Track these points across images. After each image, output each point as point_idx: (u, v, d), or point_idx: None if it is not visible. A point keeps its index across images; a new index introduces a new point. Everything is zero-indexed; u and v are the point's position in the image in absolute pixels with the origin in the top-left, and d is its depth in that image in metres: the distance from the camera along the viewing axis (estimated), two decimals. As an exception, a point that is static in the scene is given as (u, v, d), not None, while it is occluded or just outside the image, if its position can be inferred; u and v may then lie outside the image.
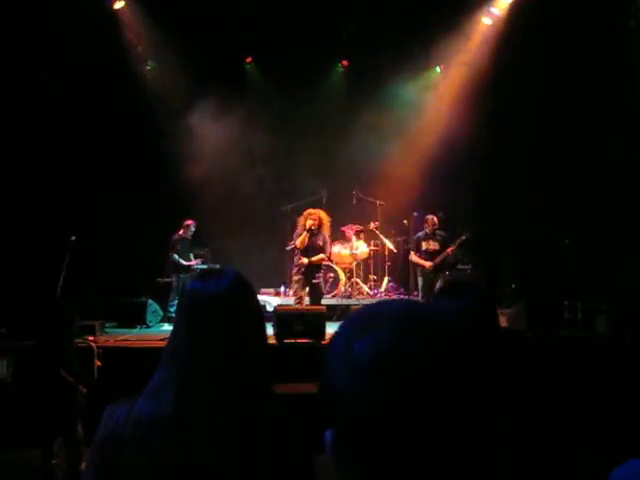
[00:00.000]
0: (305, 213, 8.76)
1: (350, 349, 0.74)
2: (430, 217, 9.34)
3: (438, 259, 9.16)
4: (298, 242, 8.57)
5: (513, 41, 10.41)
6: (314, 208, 8.96)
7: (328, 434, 0.75)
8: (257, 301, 1.58)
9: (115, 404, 1.46)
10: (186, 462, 1.33)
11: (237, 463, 1.35)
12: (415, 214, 9.49)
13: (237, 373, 1.41)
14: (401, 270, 9.96)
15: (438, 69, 12.31)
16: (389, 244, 11.02)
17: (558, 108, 10.04)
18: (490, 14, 11.00)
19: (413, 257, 9.37)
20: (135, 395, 1.44)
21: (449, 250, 9.21)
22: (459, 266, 10.61)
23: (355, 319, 0.79)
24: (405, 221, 9.63)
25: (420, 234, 9.39)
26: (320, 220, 8.62)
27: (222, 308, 1.45)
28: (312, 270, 8.67)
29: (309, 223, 8.50)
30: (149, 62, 11.44)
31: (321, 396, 0.77)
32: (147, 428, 1.36)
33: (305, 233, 8.51)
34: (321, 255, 8.66)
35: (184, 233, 10.11)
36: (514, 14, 10.52)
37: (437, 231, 9.33)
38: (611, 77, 9.23)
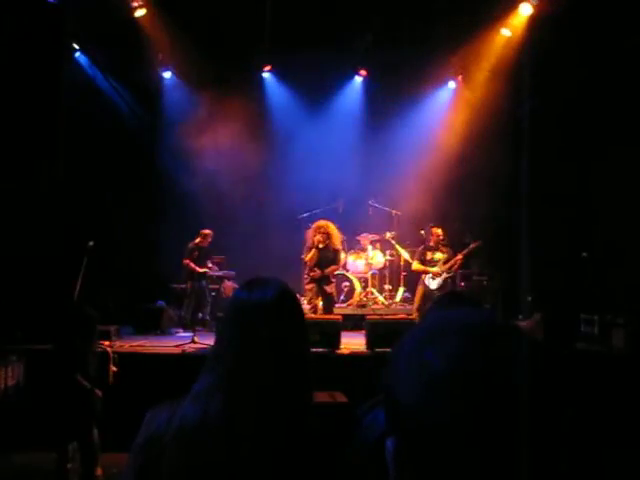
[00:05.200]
0: (314, 226, 8.79)
1: (422, 357, 0.71)
2: (434, 230, 9.37)
3: (446, 266, 9.21)
4: (307, 258, 8.64)
5: (532, 53, 10.38)
6: (325, 220, 8.98)
7: (389, 442, 0.74)
8: (302, 310, 1.57)
9: (156, 408, 1.46)
10: (232, 468, 1.33)
11: (281, 470, 1.34)
12: (431, 224, 9.49)
13: (283, 381, 1.41)
14: (417, 281, 9.92)
15: (456, 81, 12.28)
16: (405, 254, 10.98)
17: (576, 119, 9.98)
18: (510, 25, 10.96)
19: (417, 266, 9.33)
20: (176, 400, 1.45)
21: (458, 258, 9.24)
22: (475, 277, 10.57)
23: (426, 327, 0.77)
24: (422, 231, 9.61)
25: (424, 246, 9.43)
26: (328, 233, 8.66)
27: (268, 317, 1.46)
28: (324, 280, 8.71)
29: (317, 239, 8.54)
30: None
31: (384, 404, 0.76)
32: (192, 433, 1.36)
33: (314, 250, 8.55)
34: (333, 267, 8.74)
35: (201, 241, 10.15)
36: (532, 28, 10.49)
37: (440, 245, 9.38)
38: (631, 85, 9.16)
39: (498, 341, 0.71)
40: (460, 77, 12.15)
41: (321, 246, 8.53)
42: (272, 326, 1.45)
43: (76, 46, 10.64)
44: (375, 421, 1.73)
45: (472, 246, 9.40)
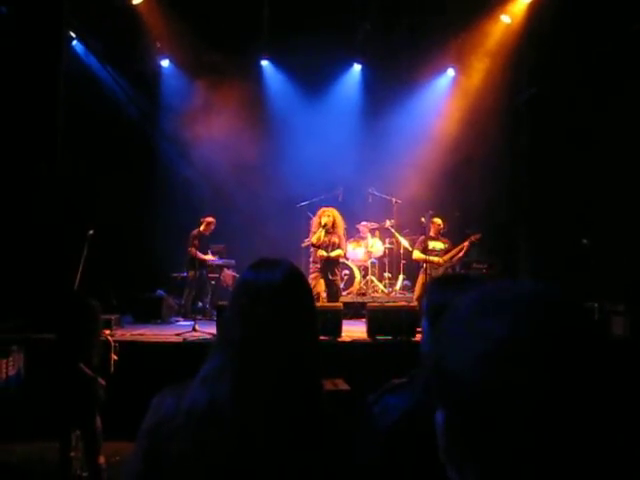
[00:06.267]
0: (319, 211, 8.94)
1: (482, 325, 0.69)
2: (435, 220, 9.50)
3: (447, 256, 9.37)
4: (314, 239, 8.68)
5: (531, 41, 10.35)
6: (327, 207, 9.08)
7: (439, 415, 0.73)
8: (310, 291, 1.55)
9: (163, 393, 1.44)
10: (240, 452, 1.32)
11: (291, 453, 1.33)
12: (431, 212, 9.51)
13: (292, 363, 1.39)
14: (416, 268, 9.92)
15: (455, 68, 12.22)
16: (404, 242, 10.96)
17: (577, 106, 9.94)
18: (509, 12, 10.90)
19: (419, 255, 9.37)
20: (182, 384, 1.43)
21: (463, 247, 9.35)
22: (474, 265, 10.57)
23: (481, 298, 0.74)
24: (422, 219, 9.61)
25: (425, 236, 9.48)
26: (334, 218, 8.78)
27: (276, 298, 1.43)
28: (329, 266, 8.76)
29: (324, 220, 8.68)
30: None
31: (433, 376, 0.74)
32: (200, 417, 1.35)
33: (320, 229, 8.64)
34: (339, 251, 8.81)
35: (203, 230, 10.14)
36: (532, 14, 10.44)
37: (441, 236, 9.57)
38: (630, 73, 9.13)
39: (566, 313, 0.70)
40: (459, 64, 12.09)
41: (329, 226, 8.63)
42: (280, 307, 1.42)
43: (73, 34, 10.57)
44: (387, 408, 1.73)
45: (473, 238, 9.48)
